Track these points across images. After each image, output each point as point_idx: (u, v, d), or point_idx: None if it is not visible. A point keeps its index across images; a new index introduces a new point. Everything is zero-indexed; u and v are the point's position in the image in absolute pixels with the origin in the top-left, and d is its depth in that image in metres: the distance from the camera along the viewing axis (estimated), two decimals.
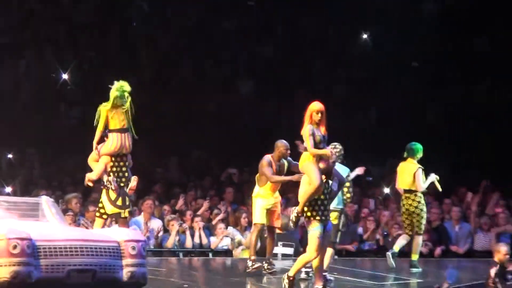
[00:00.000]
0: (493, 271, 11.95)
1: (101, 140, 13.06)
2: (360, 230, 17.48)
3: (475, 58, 25.00)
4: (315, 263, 11.27)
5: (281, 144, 13.66)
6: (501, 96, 25.17)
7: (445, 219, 18.24)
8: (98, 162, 13.23)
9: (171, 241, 17.22)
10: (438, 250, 16.98)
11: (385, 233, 17.77)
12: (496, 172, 22.76)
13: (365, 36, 24.26)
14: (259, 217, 13.75)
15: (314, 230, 11.22)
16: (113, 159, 13.01)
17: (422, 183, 15.08)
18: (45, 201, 12.10)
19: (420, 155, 15.32)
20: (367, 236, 17.58)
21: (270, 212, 13.76)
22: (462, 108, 24.19)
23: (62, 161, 19.82)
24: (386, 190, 19.64)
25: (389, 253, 15.13)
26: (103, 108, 12.96)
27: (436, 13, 25.45)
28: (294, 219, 11.81)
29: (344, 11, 24.65)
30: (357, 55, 24.95)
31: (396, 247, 15.21)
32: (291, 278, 11.33)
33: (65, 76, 21.57)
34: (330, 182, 11.50)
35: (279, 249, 15.67)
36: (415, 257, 15.10)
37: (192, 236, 17.45)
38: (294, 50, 24.97)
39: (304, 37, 25.01)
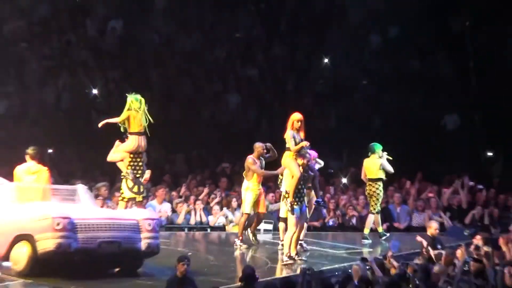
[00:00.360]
0: (425, 243, 12.57)
1: (113, 126, 13.41)
2: (323, 211, 17.47)
3: (409, 78, 24.85)
4: (295, 236, 11.76)
5: (259, 145, 14.05)
6: (431, 108, 25.21)
7: (389, 203, 18.54)
8: (116, 153, 13.44)
9: (180, 218, 17.55)
10: (384, 226, 16.64)
11: (343, 213, 18.32)
12: (429, 166, 22.87)
13: (326, 60, 24.57)
14: (248, 208, 14.11)
15: (293, 212, 11.61)
16: (131, 155, 13.36)
17: (390, 167, 15.41)
18: (81, 188, 12.53)
19: (379, 150, 15.49)
20: (329, 216, 18.04)
21: (256, 202, 14.05)
22: (400, 116, 24.28)
23: (94, 157, 19.61)
24: (344, 180, 20.07)
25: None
26: (126, 112, 13.14)
27: (379, 42, 25.81)
28: (290, 208, 11.76)
29: (309, 41, 25.28)
30: (320, 75, 25.06)
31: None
32: (292, 256, 11.78)
33: (95, 91, 21.84)
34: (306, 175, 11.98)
35: (262, 225, 15.95)
36: (366, 231, 15.41)
37: (194, 215, 17.87)
38: (270, 72, 25.18)
39: (278, 61, 25.13)
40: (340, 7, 25.16)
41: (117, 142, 13.67)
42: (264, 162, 14.26)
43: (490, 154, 24.39)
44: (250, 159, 14.13)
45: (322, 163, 14.81)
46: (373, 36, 25.96)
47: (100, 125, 13.95)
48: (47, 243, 10.41)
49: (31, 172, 12.43)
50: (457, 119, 24.73)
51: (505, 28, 25.31)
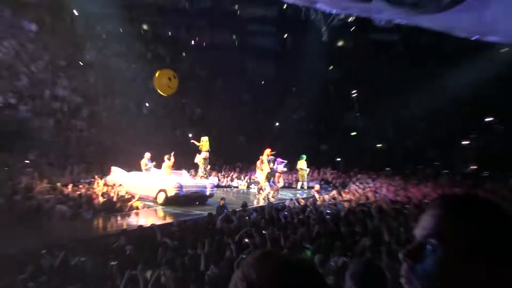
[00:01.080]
0: (316, 193, 19.81)
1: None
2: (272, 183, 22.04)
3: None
4: (269, 192, 20.38)
5: (268, 151, 21.38)
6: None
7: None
8: (198, 157, 21.70)
9: (223, 183, 24.29)
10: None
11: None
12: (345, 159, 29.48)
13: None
14: (263, 181, 21.30)
15: (266, 184, 20.73)
16: (203, 158, 21.80)
17: (305, 166, 23.81)
18: (184, 172, 20.66)
19: (304, 157, 23.99)
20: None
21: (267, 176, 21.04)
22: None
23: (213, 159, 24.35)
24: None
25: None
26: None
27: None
28: (261, 186, 20.42)
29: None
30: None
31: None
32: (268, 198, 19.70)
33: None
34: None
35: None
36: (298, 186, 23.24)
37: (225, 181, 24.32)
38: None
39: None
40: None
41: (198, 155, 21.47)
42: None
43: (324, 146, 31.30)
44: (263, 157, 21.21)
45: (285, 162, 22.76)
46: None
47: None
48: (171, 192, 18.75)
49: (168, 166, 20.11)
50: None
51: None
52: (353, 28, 33.46)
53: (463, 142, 32.00)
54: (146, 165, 20.18)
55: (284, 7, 36.16)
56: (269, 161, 20.66)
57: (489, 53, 27.39)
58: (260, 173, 21.03)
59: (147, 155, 20.67)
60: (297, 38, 35.55)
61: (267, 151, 20.89)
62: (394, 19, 4.43)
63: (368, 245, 9.42)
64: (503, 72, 31.21)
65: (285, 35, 41.54)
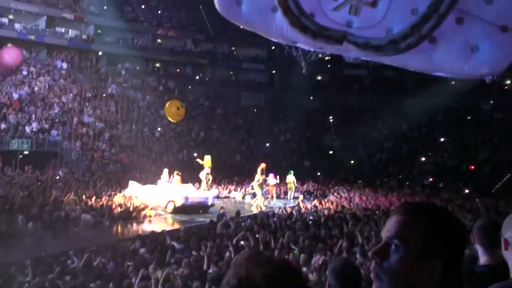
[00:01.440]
0: (301, 202, 19.60)
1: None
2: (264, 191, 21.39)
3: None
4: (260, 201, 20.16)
5: (263, 165, 20.96)
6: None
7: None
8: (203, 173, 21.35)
9: (222, 195, 23.59)
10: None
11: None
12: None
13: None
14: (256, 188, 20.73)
15: (259, 192, 20.60)
16: (207, 173, 21.49)
17: (293, 180, 23.38)
18: (190, 185, 20.08)
19: (292, 172, 23.52)
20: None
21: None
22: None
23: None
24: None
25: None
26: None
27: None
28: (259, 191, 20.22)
29: None
30: None
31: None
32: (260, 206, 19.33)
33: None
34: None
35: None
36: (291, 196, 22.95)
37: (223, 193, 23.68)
38: None
39: None
40: None
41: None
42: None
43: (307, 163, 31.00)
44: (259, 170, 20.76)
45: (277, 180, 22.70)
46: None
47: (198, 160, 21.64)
48: (179, 202, 18.38)
49: (178, 180, 19.85)
50: None
51: None
52: (329, 65, 33.98)
53: (422, 159, 32.19)
54: (166, 178, 20.59)
55: (273, 48, 36.69)
56: (262, 173, 20.62)
57: (441, 84, 27.80)
58: (256, 183, 21.17)
59: (165, 171, 20.69)
60: (283, 74, 35.91)
61: (262, 165, 20.99)
62: (360, 57, 4.48)
63: (345, 246, 9.33)
64: (453, 100, 31.88)
65: (273, 71, 42.09)
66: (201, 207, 19.30)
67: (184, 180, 20.69)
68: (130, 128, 30.87)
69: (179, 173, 20.05)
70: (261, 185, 20.49)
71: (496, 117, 34.48)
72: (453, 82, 30.27)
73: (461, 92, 29.81)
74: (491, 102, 35.93)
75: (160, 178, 20.56)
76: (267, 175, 21.40)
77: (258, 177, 20.58)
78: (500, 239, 2.03)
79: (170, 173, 20.56)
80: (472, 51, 3.78)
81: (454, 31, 3.82)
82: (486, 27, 3.72)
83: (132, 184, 20.68)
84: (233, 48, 43.12)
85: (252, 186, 21.81)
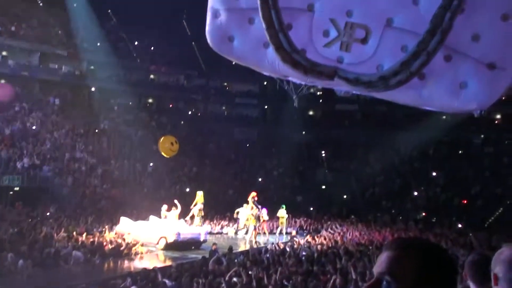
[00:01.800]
0: (297, 237, 19.69)
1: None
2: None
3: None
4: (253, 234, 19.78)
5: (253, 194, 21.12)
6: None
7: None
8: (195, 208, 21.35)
9: (215, 230, 23.03)
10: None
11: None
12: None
13: None
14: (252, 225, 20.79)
15: (252, 225, 20.55)
16: (199, 209, 21.51)
17: (285, 214, 23.09)
18: (182, 221, 19.91)
19: (284, 207, 23.22)
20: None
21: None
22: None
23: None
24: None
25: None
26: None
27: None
28: (251, 225, 20.06)
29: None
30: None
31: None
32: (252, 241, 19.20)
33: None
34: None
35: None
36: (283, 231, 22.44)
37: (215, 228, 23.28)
38: None
39: None
40: None
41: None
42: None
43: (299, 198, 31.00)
44: (251, 201, 20.91)
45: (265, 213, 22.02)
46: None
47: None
48: (171, 238, 18.14)
49: (176, 215, 19.65)
50: None
51: None
52: (320, 100, 34.30)
53: (414, 193, 32.14)
54: (165, 213, 20.35)
55: (265, 83, 37.09)
56: (254, 202, 20.59)
57: (432, 118, 28.19)
58: (244, 211, 20.95)
59: (164, 207, 20.51)
60: (276, 108, 36.28)
61: (253, 193, 20.96)
62: (351, 91, 4.64)
63: (338, 282, 9.18)
64: (444, 134, 32.23)
65: (266, 106, 42.54)
66: (193, 243, 19.08)
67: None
68: (122, 163, 30.74)
69: (178, 207, 19.93)
70: (257, 218, 20.42)
71: (487, 151, 34.67)
72: (444, 116, 30.62)
73: (452, 126, 30.39)
74: (482, 136, 36.23)
75: (152, 214, 20.31)
76: (258, 206, 21.26)
77: (251, 205, 20.52)
78: (490, 274, 2.03)
79: (169, 209, 20.41)
80: (461, 88, 3.90)
81: (443, 68, 3.95)
82: (474, 65, 3.86)
83: (123, 220, 20.39)
84: (225, 84, 43.63)
85: (237, 212, 21.52)
